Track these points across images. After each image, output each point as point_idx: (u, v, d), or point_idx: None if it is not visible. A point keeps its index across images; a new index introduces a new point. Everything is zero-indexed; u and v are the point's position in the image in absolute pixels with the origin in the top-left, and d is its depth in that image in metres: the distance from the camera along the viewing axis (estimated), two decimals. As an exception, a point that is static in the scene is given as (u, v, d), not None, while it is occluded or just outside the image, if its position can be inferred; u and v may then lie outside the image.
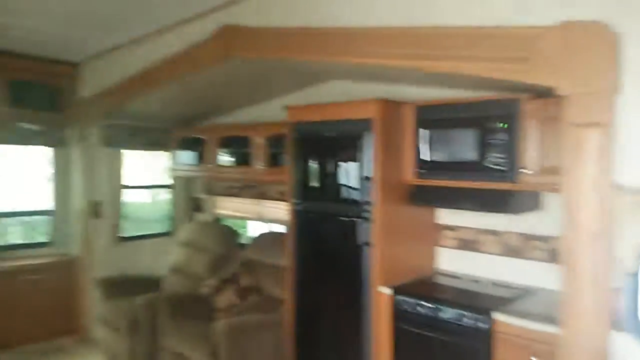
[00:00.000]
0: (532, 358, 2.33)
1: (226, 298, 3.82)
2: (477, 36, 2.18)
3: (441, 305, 2.74)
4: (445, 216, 3.42)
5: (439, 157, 3.00)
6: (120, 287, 4.45)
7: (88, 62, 4.58)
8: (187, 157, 4.92)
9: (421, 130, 3.06)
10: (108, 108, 4.42)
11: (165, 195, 5.62)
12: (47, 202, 4.87)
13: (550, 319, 2.28)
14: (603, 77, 1.85)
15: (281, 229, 4.75)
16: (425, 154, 3.05)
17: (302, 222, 3.44)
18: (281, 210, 4.53)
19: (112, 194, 4.79)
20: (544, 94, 2.40)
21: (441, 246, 3.46)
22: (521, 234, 3.07)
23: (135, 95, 4.08)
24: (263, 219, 4.86)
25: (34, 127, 4.53)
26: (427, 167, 3.05)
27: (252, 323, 3.50)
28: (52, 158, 4.79)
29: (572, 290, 1.98)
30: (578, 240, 1.94)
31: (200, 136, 4.75)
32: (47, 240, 4.91)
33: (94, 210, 4.72)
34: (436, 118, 3.01)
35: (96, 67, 4.53)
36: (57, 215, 4.83)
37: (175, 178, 5.31)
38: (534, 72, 2.01)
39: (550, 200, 2.88)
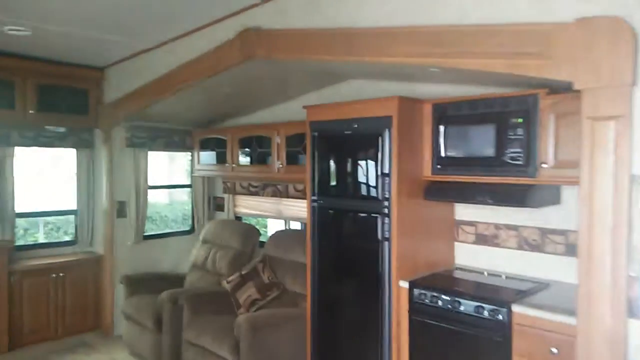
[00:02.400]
0: (552, 349, 2.37)
1: (247, 293, 3.91)
2: (493, 32, 2.23)
3: (459, 297, 2.78)
4: (464, 212, 3.46)
5: (457, 153, 3.05)
6: (144, 284, 4.58)
7: (114, 66, 4.73)
8: (207, 157, 5.04)
9: (438, 127, 3.11)
10: (132, 110, 4.55)
11: (186, 195, 5.76)
12: (72, 202, 5.01)
13: (568, 311, 2.32)
14: (620, 71, 1.88)
15: (299, 226, 4.87)
16: (443, 150, 3.10)
17: (321, 219, 3.50)
18: (300, 208, 4.63)
19: (136, 193, 4.92)
20: (560, 89, 2.44)
21: (460, 241, 3.51)
22: (539, 228, 3.10)
23: (158, 98, 4.19)
24: (282, 217, 4.95)
25: (60, 129, 4.67)
26: (444, 163, 3.10)
27: (273, 317, 3.58)
28: (76, 159, 4.93)
29: (589, 280, 2.02)
30: (595, 230, 1.98)
31: (221, 136, 4.86)
32: (71, 240, 5.05)
33: (118, 209, 4.86)
34: (453, 114, 3.05)
35: (122, 70, 4.66)
36: (81, 215, 4.97)
37: (196, 178, 5.43)
38: (550, 67, 2.05)
39: (569, 194, 2.92)
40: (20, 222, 5.26)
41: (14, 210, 4.48)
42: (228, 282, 4.06)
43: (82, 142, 4.87)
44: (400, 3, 2.65)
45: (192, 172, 5.34)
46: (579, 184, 2.06)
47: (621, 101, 1.90)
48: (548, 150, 2.63)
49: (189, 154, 5.49)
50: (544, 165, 2.65)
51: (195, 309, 3.84)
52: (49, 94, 4.50)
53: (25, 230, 5.48)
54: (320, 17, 3.01)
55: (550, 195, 2.94)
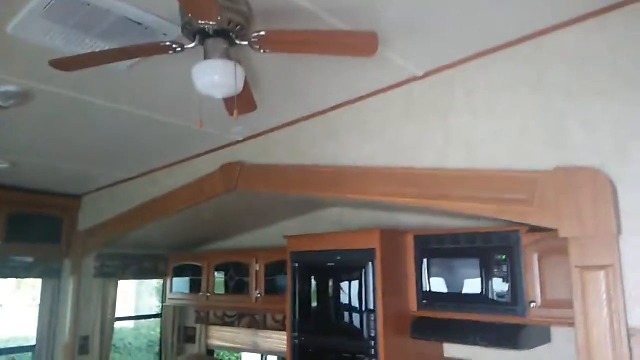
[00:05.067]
0: None
1: None
2: (479, 179, 2.30)
3: None
4: (453, 348, 3.30)
5: (441, 287, 2.98)
6: None
7: (90, 194, 4.68)
8: (180, 284, 4.82)
9: (422, 260, 3.07)
10: (108, 238, 4.42)
11: (154, 325, 5.40)
12: (31, 336, 4.60)
13: None
14: (604, 221, 1.93)
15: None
16: (427, 285, 3.03)
17: (301, 358, 3.28)
18: (278, 340, 4.36)
19: (101, 327, 4.58)
20: (541, 228, 2.48)
21: (451, 383, 3.30)
22: (532, 369, 2.96)
23: (138, 226, 4.11)
24: (259, 351, 4.64)
25: (28, 259, 4.44)
26: (430, 298, 3.02)
27: None
28: (41, 290, 4.62)
29: None
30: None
31: (196, 263, 4.70)
32: (26, 380, 4.57)
33: (81, 345, 4.48)
34: (436, 247, 3.04)
35: (99, 198, 4.60)
36: (39, 352, 4.53)
37: (166, 307, 5.13)
38: (536, 214, 2.09)
39: (558, 333, 2.84)
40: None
41: (-36, 350, 4.07)
42: None
43: (49, 272, 4.60)
44: (378, 147, 2.75)
45: (163, 300, 5.06)
46: (575, 334, 1.99)
47: (607, 251, 1.92)
48: (535, 288, 2.60)
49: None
50: (533, 305, 2.59)
51: None
52: (19, 224, 4.33)
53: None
54: (302, 155, 3.09)
55: (541, 335, 2.85)
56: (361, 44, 1.78)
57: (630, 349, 1.85)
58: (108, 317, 4.64)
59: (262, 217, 4.41)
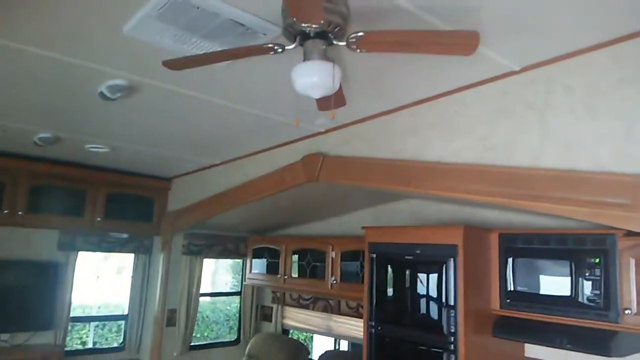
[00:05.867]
0: None
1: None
2: (577, 180, 2.20)
3: None
4: (534, 349, 3.22)
5: (527, 288, 2.89)
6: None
7: (179, 177, 4.97)
8: (258, 265, 5.03)
9: (506, 258, 3.00)
10: (195, 220, 4.69)
11: (233, 302, 5.70)
12: (123, 307, 5.03)
13: None
14: None
15: (349, 346, 4.65)
16: (511, 284, 2.96)
17: (377, 346, 3.33)
18: (351, 326, 4.45)
19: (187, 301, 4.90)
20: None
21: (532, 383, 3.23)
22: (623, 378, 2.82)
23: (220, 211, 4.33)
24: (332, 334, 4.77)
25: (123, 235, 4.83)
26: (513, 298, 2.94)
27: None
28: (133, 265, 5.01)
29: None
30: None
31: (274, 246, 4.88)
32: (119, 346, 5.00)
33: (168, 317, 4.83)
34: (522, 247, 2.94)
35: (187, 182, 4.89)
36: (131, 321, 4.95)
37: (246, 286, 5.39)
38: (639, 220, 1.98)
39: (656, 342, 2.68)
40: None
41: (69, 316, 4.52)
42: (276, 408, 3.84)
43: (141, 248, 4.98)
44: (467, 143, 2.69)
45: (242, 279, 5.31)
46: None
47: None
48: (631, 295, 2.46)
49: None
50: (627, 312, 2.46)
51: None
52: (116, 202, 4.72)
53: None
54: (384, 148, 3.09)
55: (635, 342, 2.70)
56: (461, 43, 1.75)
57: None
58: (194, 292, 4.95)
59: (338, 206, 4.47)
